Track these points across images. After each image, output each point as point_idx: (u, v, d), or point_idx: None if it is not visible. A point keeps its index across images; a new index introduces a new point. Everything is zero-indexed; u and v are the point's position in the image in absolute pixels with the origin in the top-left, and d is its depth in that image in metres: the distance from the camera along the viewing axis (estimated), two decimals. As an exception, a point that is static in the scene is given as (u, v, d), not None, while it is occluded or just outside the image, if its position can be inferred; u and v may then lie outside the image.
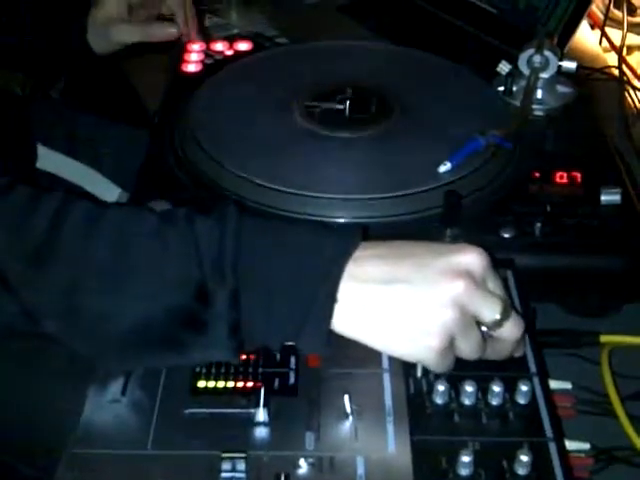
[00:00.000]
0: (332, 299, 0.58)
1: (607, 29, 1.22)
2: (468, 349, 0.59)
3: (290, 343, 0.60)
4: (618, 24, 1.21)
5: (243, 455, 0.55)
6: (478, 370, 0.61)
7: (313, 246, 0.59)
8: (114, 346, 0.60)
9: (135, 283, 0.58)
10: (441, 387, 0.59)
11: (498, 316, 0.59)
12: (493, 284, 0.60)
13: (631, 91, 1.09)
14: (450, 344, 0.58)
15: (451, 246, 0.61)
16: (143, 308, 0.58)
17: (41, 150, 1.00)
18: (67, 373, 0.70)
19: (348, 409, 0.58)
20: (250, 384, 0.60)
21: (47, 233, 0.58)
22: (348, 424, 0.58)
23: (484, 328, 0.60)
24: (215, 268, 0.58)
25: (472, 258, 0.59)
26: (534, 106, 0.92)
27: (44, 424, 0.72)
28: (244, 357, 0.62)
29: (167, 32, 1.01)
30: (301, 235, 0.60)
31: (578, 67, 0.93)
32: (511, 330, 0.60)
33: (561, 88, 0.94)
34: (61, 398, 0.70)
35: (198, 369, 0.61)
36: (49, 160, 1.00)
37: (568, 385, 0.64)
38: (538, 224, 0.76)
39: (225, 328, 0.58)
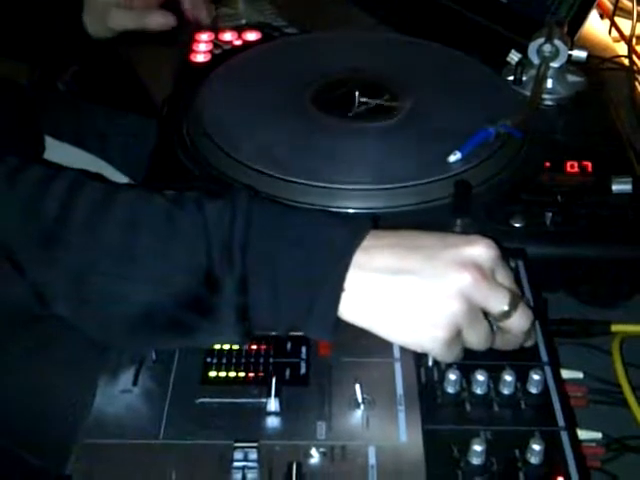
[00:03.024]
0: (339, 287, 0.58)
1: (616, 19, 1.21)
2: (476, 340, 0.59)
3: (298, 332, 0.60)
4: (628, 14, 1.20)
5: (255, 445, 0.54)
6: (490, 359, 0.61)
7: (322, 234, 0.59)
8: (123, 328, 0.60)
9: (144, 267, 0.58)
10: (452, 376, 0.59)
11: (506, 307, 0.59)
12: (502, 276, 0.60)
13: (641, 80, 1.08)
14: (457, 335, 0.58)
15: (461, 237, 0.61)
16: (151, 292, 0.58)
17: (49, 141, 1.00)
18: (76, 363, 0.70)
19: (359, 398, 0.58)
20: (261, 374, 0.60)
21: (58, 215, 0.58)
22: (359, 413, 0.58)
23: (493, 319, 0.60)
24: (224, 253, 0.58)
25: (481, 250, 0.59)
26: (544, 95, 0.91)
27: (52, 414, 0.72)
28: (255, 347, 0.62)
29: (164, 22, 0.98)
30: (311, 222, 0.60)
31: (588, 56, 0.93)
32: (519, 321, 0.60)
33: (571, 77, 0.94)
34: (69, 388, 0.69)
35: (209, 359, 0.61)
36: (57, 151, 1.00)
37: (580, 375, 0.64)
38: (549, 214, 0.76)
39: (232, 313, 0.58)
